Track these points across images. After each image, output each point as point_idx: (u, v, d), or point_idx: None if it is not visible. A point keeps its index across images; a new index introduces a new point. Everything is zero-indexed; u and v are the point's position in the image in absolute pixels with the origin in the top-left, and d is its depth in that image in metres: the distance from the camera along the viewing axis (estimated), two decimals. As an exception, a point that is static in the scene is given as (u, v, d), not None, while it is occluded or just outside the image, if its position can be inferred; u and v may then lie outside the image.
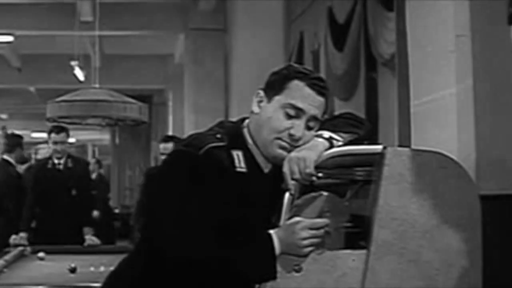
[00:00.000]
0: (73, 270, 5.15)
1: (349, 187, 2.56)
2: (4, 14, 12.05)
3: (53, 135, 7.05)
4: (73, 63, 13.44)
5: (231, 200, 2.39)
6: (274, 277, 2.39)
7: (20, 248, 6.07)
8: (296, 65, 2.59)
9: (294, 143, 2.43)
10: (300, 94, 2.43)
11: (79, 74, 14.01)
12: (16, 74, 16.54)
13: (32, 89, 18.93)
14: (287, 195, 2.43)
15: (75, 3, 11.31)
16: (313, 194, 2.46)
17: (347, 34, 8.12)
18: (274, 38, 9.28)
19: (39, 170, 7.24)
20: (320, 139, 2.47)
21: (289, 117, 2.42)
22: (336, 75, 8.61)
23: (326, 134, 2.49)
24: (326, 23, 8.89)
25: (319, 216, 2.43)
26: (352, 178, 2.56)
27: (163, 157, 6.72)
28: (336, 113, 2.73)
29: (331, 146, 2.48)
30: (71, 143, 23.86)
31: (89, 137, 25.34)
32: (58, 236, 6.45)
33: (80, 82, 13.92)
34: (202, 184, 2.35)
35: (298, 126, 2.42)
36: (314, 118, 2.45)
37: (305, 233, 2.37)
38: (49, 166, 7.10)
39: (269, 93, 2.47)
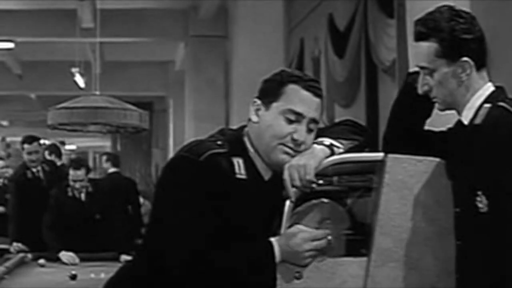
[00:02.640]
0: (73, 277, 5.15)
1: (350, 195, 2.56)
2: (5, 21, 12.07)
3: (26, 145, 7.14)
4: (73, 69, 13.46)
5: (231, 206, 2.38)
6: (274, 285, 2.39)
7: (21, 254, 6.07)
8: (288, 69, 2.58)
9: (297, 147, 2.42)
10: (298, 97, 2.42)
11: (80, 80, 14.02)
12: (16, 81, 16.57)
13: (32, 95, 18.96)
14: (288, 202, 2.43)
15: (76, 10, 11.31)
16: (314, 201, 2.45)
17: (347, 41, 8.12)
18: (275, 45, 9.30)
19: (20, 181, 7.26)
20: (321, 146, 2.47)
21: (290, 122, 2.41)
22: (336, 82, 8.61)
23: (327, 141, 2.49)
24: (327, 30, 8.90)
25: (320, 223, 2.43)
26: (353, 186, 2.55)
27: (75, 184, 6.46)
28: (337, 120, 2.73)
29: (332, 153, 2.48)
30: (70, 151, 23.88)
31: (90, 144, 25.36)
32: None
33: (81, 88, 13.93)
34: (203, 190, 2.35)
35: (300, 131, 2.41)
36: (313, 120, 2.45)
37: (307, 246, 2.37)
38: (29, 175, 7.17)
39: (266, 101, 2.46)
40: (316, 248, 2.37)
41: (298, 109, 2.41)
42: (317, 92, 2.44)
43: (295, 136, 2.41)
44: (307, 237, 2.37)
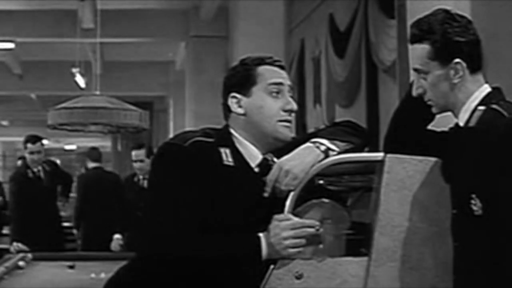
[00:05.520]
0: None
1: (350, 195, 2.56)
2: (6, 21, 12.07)
3: (29, 145, 7.16)
4: (74, 70, 13.45)
5: (218, 192, 2.39)
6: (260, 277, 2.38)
7: (21, 254, 6.07)
8: (245, 57, 2.64)
9: (290, 116, 2.52)
10: (270, 73, 2.53)
11: (80, 81, 14.02)
12: (17, 81, 16.57)
13: (33, 96, 18.96)
14: (288, 202, 2.43)
15: (77, 10, 11.32)
16: (314, 201, 2.46)
17: (348, 41, 8.13)
18: (275, 45, 9.28)
19: (21, 180, 7.29)
20: (317, 152, 2.47)
21: (276, 96, 2.50)
22: (337, 82, 8.62)
23: (323, 146, 2.48)
24: (327, 30, 8.91)
25: (320, 223, 2.43)
26: (353, 186, 2.56)
27: (135, 164, 6.87)
28: (337, 120, 2.74)
29: (326, 157, 2.48)
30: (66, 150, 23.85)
31: (90, 144, 25.32)
32: (47, 241, 6.48)
33: (81, 89, 13.93)
34: (189, 175, 2.37)
35: (288, 101, 2.51)
36: (291, 88, 2.56)
37: (285, 233, 2.34)
38: (30, 175, 7.20)
39: (244, 90, 2.53)
40: (297, 236, 2.35)
41: (277, 80, 2.52)
42: (281, 65, 2.58)
43: (288, 107, 2.51)
44: (284, 225, 2.35)
